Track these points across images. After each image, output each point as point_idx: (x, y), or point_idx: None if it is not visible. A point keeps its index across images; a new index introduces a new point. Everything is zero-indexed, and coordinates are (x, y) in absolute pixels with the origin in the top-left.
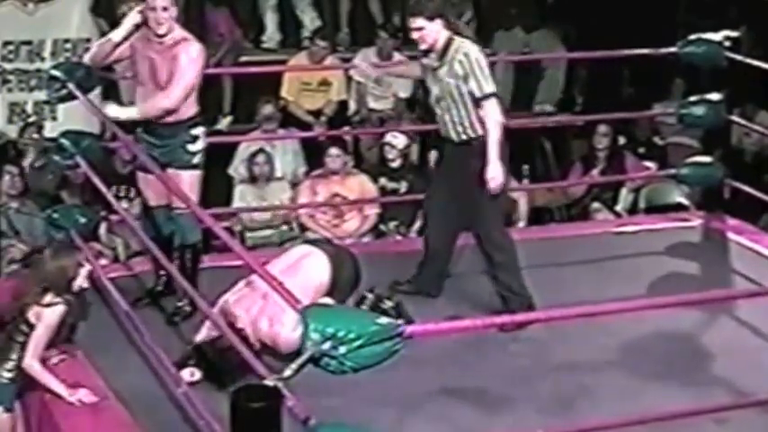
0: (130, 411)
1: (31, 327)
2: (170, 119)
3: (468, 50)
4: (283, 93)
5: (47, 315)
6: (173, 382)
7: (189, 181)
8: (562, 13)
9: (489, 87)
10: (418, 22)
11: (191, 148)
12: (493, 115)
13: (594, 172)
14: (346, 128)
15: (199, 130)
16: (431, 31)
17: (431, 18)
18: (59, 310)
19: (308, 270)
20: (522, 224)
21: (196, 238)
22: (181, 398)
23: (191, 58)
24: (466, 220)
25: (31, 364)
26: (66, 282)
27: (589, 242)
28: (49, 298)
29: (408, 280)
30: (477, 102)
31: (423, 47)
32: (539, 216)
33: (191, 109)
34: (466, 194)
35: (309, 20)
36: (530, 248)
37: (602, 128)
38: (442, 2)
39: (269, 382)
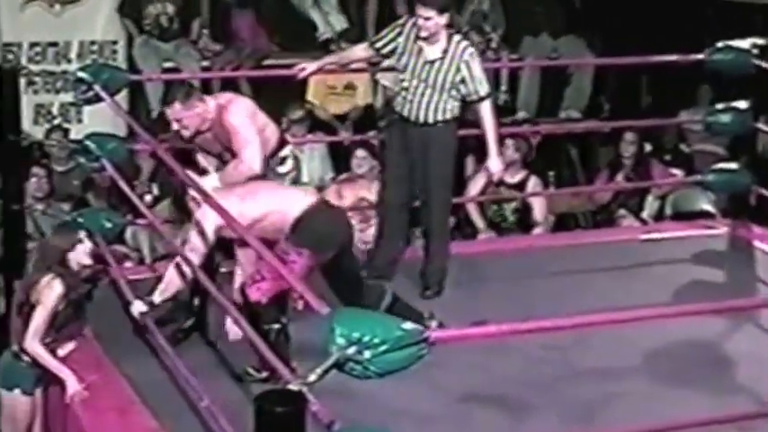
0: (156, 416)
1: (33, 308)
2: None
3: (472, 52)
4: (309, 96)
5: (45, 294)
6: (197, 393)
7: None
8: (590, 20)
9: (488, 88)
10: (430, 12)
11: (279, 170)
12: (490, 113)
13: (620, 178)
14: (372, 132)
15: (286, 151)
16: (437, 23)
17: (441, 11)
18: (56, 287)
19: (288, 196)
20: (540, 230)
21: None
22: (204, 410)
23: (239, 118)
24: (420, 199)
25: (32, 344)
26: (60, 258)
27: (615, 249)
28: (47, 278)
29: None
30: (479, 100)
31: (423, 34)
32: (564, 222)
33: (274, 138)
34: (423, 175)
35: (337, 21)
36: (555, 255)
37: (629, 135)
38: None
39: (293, 387)
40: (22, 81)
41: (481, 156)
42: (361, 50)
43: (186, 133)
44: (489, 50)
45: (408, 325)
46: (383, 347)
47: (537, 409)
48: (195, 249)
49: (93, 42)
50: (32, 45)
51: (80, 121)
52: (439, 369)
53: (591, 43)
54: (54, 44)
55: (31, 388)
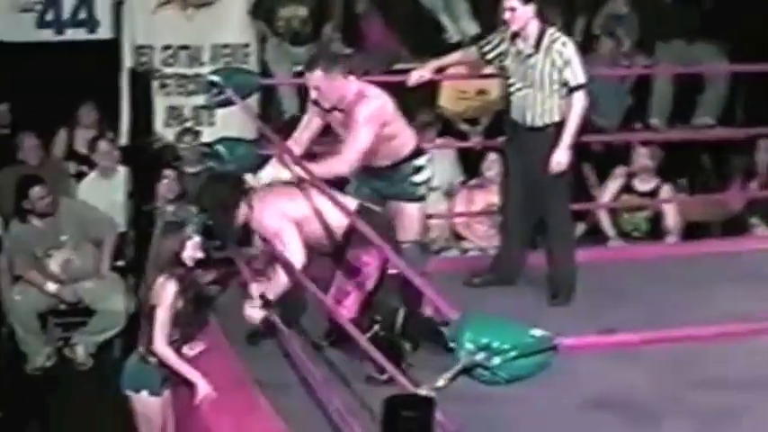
0: (283, 417)
1: (154, 310)
2: (388, 162)
3: (565, 41)
4: (440, 101)
5: (162, 295)
6: (327, 395)
7: (415, 214)
8: (724, 25)
9: (583, 78)
10: (512, 2)
11: (415, 179)
12: (579, 105)
13: (754, 186)
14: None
15: (422, 160)
16: (522, 14)
17: (525, 1)
18: (170, 287)
19: (332, 206)
20: (672, 238)
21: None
22: (334, 414)
23: (365, 117)
24: (538, 205)
25: (160, 347)
26: (172, 257)
27: (747, 258)
28: (162, 278)
29: (478, 274)
30: (570, 90)
31: (513, 28)
32: (696, 231)
33: (407, 146)
34: (537, 180)
35: (468, 27)
36: (686, 263)
37: (764, 142)
38: None
39: (422, 392)
40: (155, 83)
41: (608, 163)
42: (469, 53)
43: (324, 104)
44: (621, 55)
45: (537, 332)
46: (512, 354)
47: (665, 419)
48: (292, 252)
49: (225, 45)
50: (165, 48)
51: (212, 123)
52: (566, 376)
53: (726, 49)
54: (186, 47)
55: (158, 389)
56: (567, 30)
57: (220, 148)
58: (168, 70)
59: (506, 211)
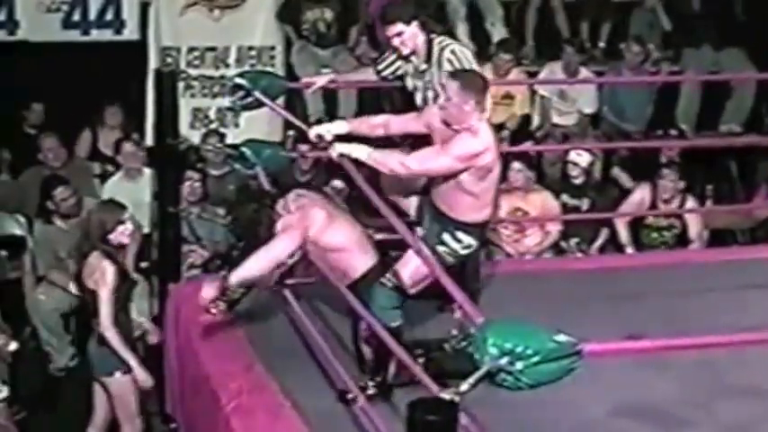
0: (306, 422)
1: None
2: (443, 208)
3: (453, 48)
4: None
5: (101, 275)
6: (351, 393)
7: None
8: (753, 31)
9: None
10: (397, 27)
11: (446, 238)
12: None
13: None
14: (529, 143)
15: (469, 239)
16: (410, 35)
17: (407, 22)
18: (109, 267)
19: (363, 246)
20: (695, 246)
21: None
22: (358, 412)
23: (457, 150)
24: None
25: (106, 327)
26: (101, 233)
27: None
28: (95, 257)
29: None
30: None
31: (405, 51)
32: (721, 238)
33: (471, 215)
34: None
35: (498, 33)
36: (711, 270)
37: None
38: (413, 4)
39: (446, 396)
40: (181, 85)
41: (634, 168)
42: (368, 73)
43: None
44: (648, 62)
45: (561, 337)
46: (535, 359)
47: (689, 426)
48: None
49: (251, 48)
50: (191, 49)
51: (236, 125)
52: (590, 382)
53: (753, 56)
54: (212, 49)
55: (128, 367)
56: (594, 34)
57: (246, 150)
58: (194, 72)
59: None
